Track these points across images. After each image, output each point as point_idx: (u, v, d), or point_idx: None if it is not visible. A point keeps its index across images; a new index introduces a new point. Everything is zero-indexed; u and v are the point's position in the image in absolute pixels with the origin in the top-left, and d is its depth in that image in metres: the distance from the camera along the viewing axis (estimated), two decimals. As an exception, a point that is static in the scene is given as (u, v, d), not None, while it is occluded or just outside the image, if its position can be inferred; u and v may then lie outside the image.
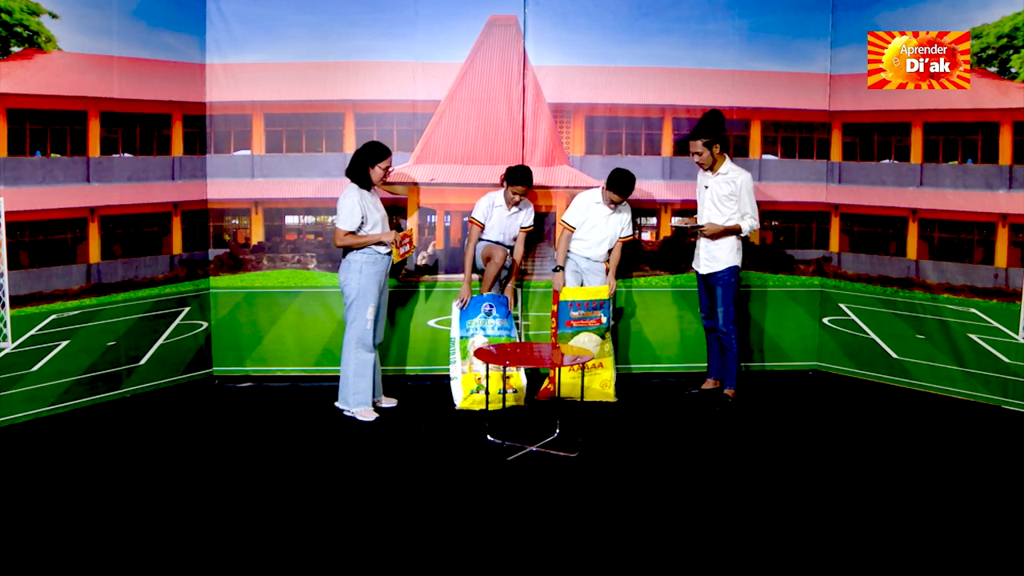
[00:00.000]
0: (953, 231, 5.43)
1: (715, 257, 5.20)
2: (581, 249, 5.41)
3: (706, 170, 5.20)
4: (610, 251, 5.44)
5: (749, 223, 5.14)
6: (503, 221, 5.33)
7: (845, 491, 3.95)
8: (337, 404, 5.03)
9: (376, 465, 4.26)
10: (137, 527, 3.51)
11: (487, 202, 5.32)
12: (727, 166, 5.15)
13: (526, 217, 5.41)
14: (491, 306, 5.32)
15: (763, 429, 4.88)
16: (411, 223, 5.21)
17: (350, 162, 4.89)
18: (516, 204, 5.28)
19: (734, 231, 5.15)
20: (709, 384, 5.47)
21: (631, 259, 5.88)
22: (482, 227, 5.32)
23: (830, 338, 6.03)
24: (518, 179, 5.17)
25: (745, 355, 6.00)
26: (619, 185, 5.21)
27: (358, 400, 4.96)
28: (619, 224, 5.39)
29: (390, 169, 4.95)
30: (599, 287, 5.36)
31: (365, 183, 4.88)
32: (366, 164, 4.84)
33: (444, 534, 3.48)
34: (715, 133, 5.10)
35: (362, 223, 4.83)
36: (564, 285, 5.38)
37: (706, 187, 5.21)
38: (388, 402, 5.19)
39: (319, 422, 4.93)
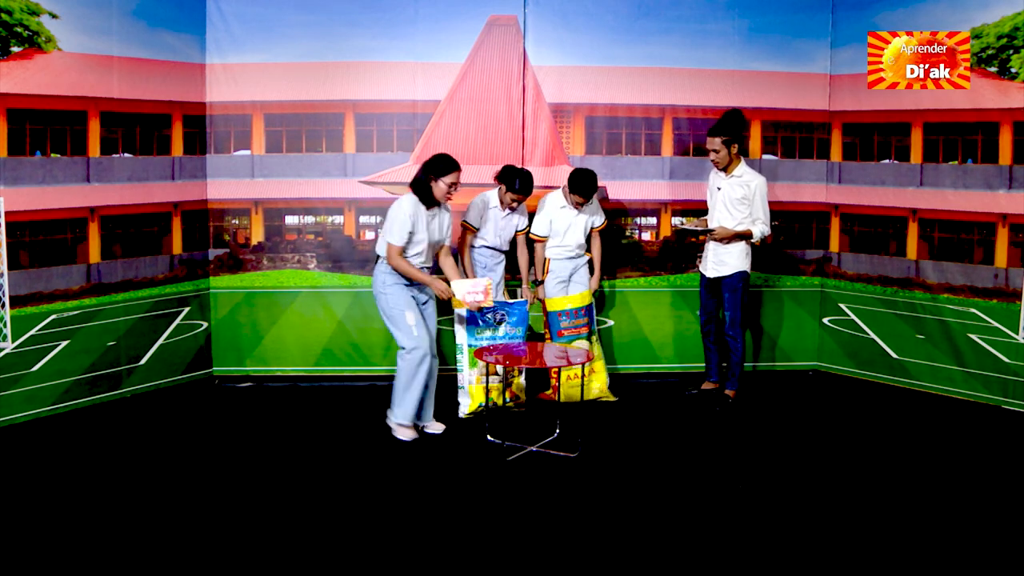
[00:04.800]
0: (953, 231, 5.43)
1: (724, 262, 5.12)
2: (562, 254, 5.28)
3: (720, 170, 5.11)
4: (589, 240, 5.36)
5: (760, 229, 5.05)
6: (498, 223, 5.16)
7: (845, 491, 3.95)
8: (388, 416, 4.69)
9: (376, 464, 4.26)
10: (137, 527, 3.51)
11: (480, 204, 5.09)
12: (742, 168, 5.06)
13: (521, 219, 5.26)
14: (503, 314, 5.02)
15: (763, 429, 4.88)
16: (486, 281, 4.73)
17: (416, 173, 4.51)
18: (512, 208, 5.14)
19: (745, 236, 5.08)
20: (708, 385, 5.45)
21: (632, 259, 5.88)
22: (476, 232, 5.14)
23: (830, 338, 6.03)
24: (517, 188, 4.96)
25: (745, 355, 5.99)
26: (582, 187, 5.02)
27: (400, 414, 4.58)
28: (590, 217, 5.28)
29: (456, 185, 4.49)
30: (583, 293, 5.29)
31: (427, 197, 4.44)
32: (429, 176, 4.43)
33: (444, 534, 3.48)
34: (734, 132, 5.00)
35: (409, 239, 4.44)
36: (547, 296, 5.27)
37: (718, 188, 5.12)
38: (435, 427, 4.76)
39: (319, 422, 4.93)
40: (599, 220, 5.35)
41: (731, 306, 5.14)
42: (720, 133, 4.99)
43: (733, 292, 5.12)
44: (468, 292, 4.61)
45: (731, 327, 5.17)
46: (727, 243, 5.08)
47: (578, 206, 5.16)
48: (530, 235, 5.31)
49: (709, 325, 5.34)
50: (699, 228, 5.24)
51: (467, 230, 5.14)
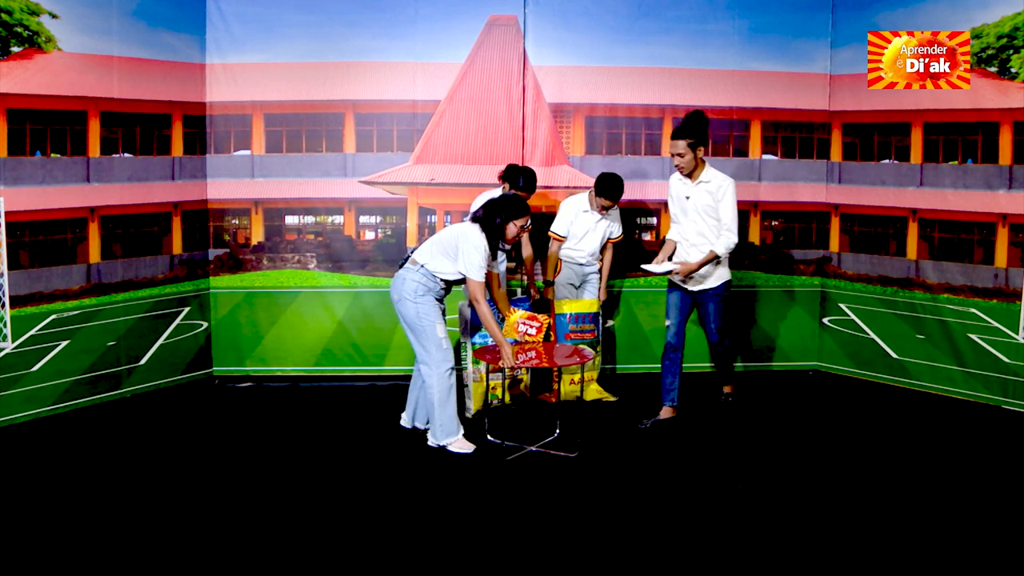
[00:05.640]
0: (953, 231, 5.43)
1: (707, 273, 4.76)
2: (573, 258, 5.28)
3: (685, 176, 4.66)
4: (603, 250, 5.37)
5: (725, 242, 4.59)
6: None
7: (845, 491, 3.95)
8: (430, 442, 4.49)
9: (376, 464, 4.26)
10: (137, 527, 3.51)
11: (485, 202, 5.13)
12: (708, 173, 4.63)
13: None
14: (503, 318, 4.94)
15: (763, 429, 4.88)
16: (545, 320, 4.69)
17: (484, 212, 4.33)
18: None
19: (710, 260, 4.63)
20: (667, 413, 4.95)
21: (631, 259, 5.88)
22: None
23: (830, 338, 6.02)
24: (521, 186, 5.01)
25: (745, 355, 6.00)
26: (610, 190, 5.03)
27: (448, 431, 4.43)
28: (610, 226, 5.29)
29: (526, 228, 4.44)
30: (591, 300, 5.30)
31: (496, 236, 4.30)
32: (505, 218, 4.29)
33: (444, 533, 3.48)
34: (700, 134, 4.56)
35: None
36: (556, 298, 5.24)
37: (687, 197, 4.68)
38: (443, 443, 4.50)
39: (319, 422, 4.93)
40: (617, 231, 5.35)
41: (718, 316, 4.83)
42: (685, 135, 4.53)
43: (719, 303, 4.81)
44: (522, 323, 4.63)
45: (720, 335, 4.87)
46: (692, 276, 4.72)
47: (603, 211, 5.17)
48: (548, 232, 5.32)
49: (678, 339, 4.87)
50: (662, 269, 4.70)
51: None
